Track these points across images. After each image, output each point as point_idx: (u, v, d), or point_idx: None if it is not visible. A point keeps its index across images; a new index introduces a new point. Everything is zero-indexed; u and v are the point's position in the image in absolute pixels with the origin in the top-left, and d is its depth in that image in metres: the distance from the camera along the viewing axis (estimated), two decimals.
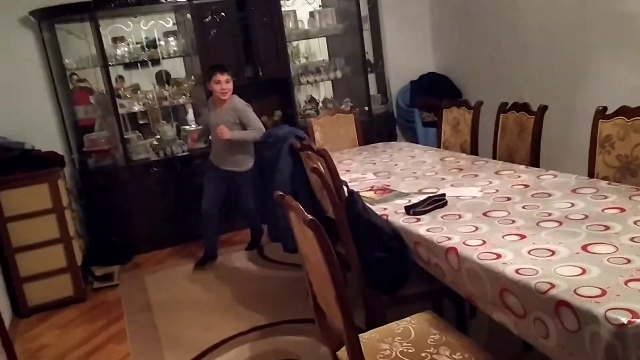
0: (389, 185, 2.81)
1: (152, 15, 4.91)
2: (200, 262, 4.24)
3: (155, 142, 4.91)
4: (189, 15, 4.70)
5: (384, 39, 5.46)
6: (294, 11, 5.14)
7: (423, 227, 2.15)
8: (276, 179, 3.07)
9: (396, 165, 3.29)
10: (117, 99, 4.64)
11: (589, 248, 1.73)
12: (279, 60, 4.92)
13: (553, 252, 1.74)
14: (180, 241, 4.78)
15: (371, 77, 5.46)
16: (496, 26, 4.82)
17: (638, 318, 1.31)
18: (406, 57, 5.62)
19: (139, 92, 4.88)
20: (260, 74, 4.88)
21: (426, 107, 5.36)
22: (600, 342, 1.35)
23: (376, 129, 5.16)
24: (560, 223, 1.97)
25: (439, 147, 3.77)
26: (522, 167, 2.82)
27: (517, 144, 3.07)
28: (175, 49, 4.89)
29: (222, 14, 4.73)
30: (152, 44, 4.86)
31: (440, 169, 3.06)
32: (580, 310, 1.41)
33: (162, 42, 4.87)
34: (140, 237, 4.71)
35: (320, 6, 5.42)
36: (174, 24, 5.03)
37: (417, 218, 2.26)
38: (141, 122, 5.11)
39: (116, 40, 4.76)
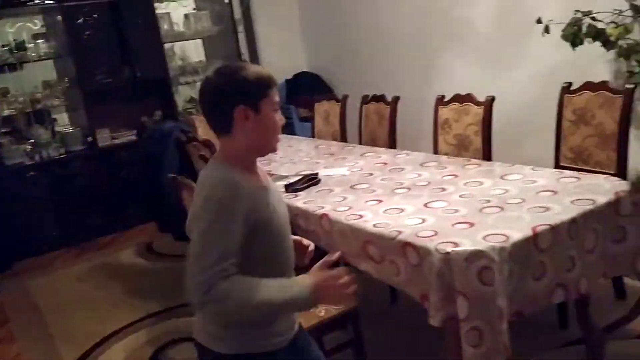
0: (270, 171, 3.13)
1: (18, 18, 4.80)
2: None
3: (29, 147, 4.80)
4: (59, 17, 4.67)
5: (258, 40, 5.78)
6: (169, 13, 5.29)
7: (300, 201, 2.50)
8: (164, 172, 3.25)
9: (276, 153, 3.61)
10: None
11: (429, 205, 2.19)
12: (156, 62, 5.05)
13: (402, 210, 2.17)
14: (63, 244, 4.72)
15: None
16: (359, 28, 5.33)
17: (458, 247, 1.75)
18: (280, 57, 5.97)
19: (8, 95, 4.75)
20: (138, 75, 4.97)
21: (302, 104, 5.75)
22: (433, 269, 1.78)
23: None
24: (409, 189, 2.42)
25: (313, 137, 4.17)
26: (383, 149, 3.29)
27: (378, 130, 3.55)
28: (45, 51, 4.81)
29: (95, 15, 4.75)
30: (20, 46, 4.74)
31: (314, 154, 3.45)
32: (420, 247, 1.84)
33: (32, 45, 4.78)
34: (20, 243, 4.59)
35: (194, 9, 5.61)
36: (42, 26, 4.95)
37: (295, 194, 2.60)
38: (13, 126, 4.95)
39: None
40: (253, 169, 1.53)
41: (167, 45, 5.28)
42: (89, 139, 4.86)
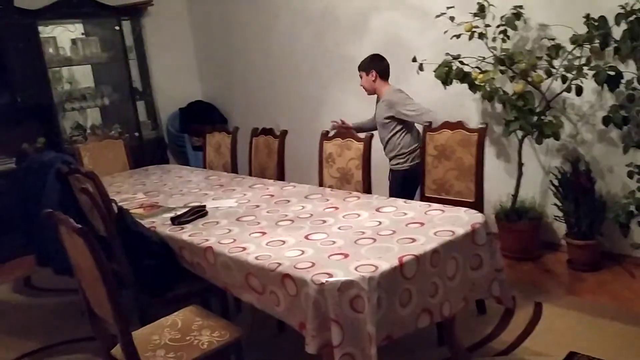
0: (157, 203, 3.12)
1: None
2: None
3: None
4: None
5: (151, 68, 5.72)
6: (54, 38, 5.10)
7: (186, 233, 2.53)
8: (42, 204, 3.12)
9: (165, 185, 3.61)
10: None
11: (309, 237, 2.31)
12: (39, 87, 4.84)
13: (284, 242, 2.27)
14: None
15: (140, 104, 5.67)
16: (252, 60, 5.47)
17: (332, 277, 1.88)
18: (174, 86, 5.94)
19: None
20: (18, 99, 4.73)
21: (195, 133, 5.74)
22: (310, 299, 1.89)
23: (148, 154, 5.37)
24: (293, 221, 2.54)
25: (205, 167, 4.19)
26: (271, 181, 3.40)
27: (267, 162, 3.66)
28: None
29: None
30: None
31: (204, 186, 3.48)
32: (297, 278, 1.94)
33: None
34: None
35: (83, 34, 5.45)
36: None
37: (181, 227, 2.62)
38: None
39: None
40: None
41: (53, 70, 5.08)
42: None
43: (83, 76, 5.57)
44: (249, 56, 5.50)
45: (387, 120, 3.53)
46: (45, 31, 5.02)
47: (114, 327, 2.00)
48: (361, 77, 3.63)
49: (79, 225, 1.84)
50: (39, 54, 4.80)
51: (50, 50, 5.00)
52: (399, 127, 3.53)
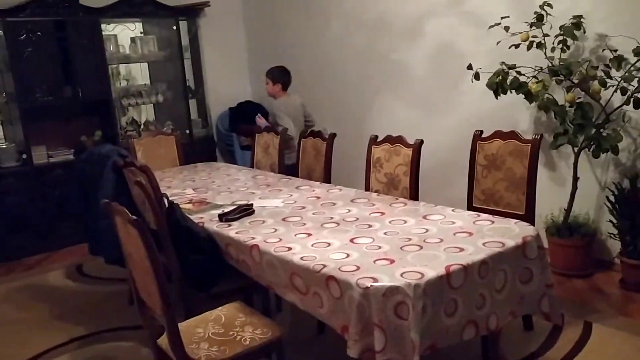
0: (206, 199, 3.19)
1: None
2: None
3: None
4: (1, 32, 4.59)
5: (204, 68, 5.86)
6: (115, 36, 5.29)
7: (233, 231, 2.57)
8: (99, 195, 3.24)
9: (213, 182, 3.68)
10: None
11: (354, 240, 2.31)
12: (100, 82, 5.02)
13: (329, 244, 2.28)
14: None
15: (192, 103, 5.81)
16: (304, 64, 5.51)
17: (377, 282, 1.87)
18: (225, 86, 6.06)
19: None
20: (80, 94, 4.92)
21: (244, 133, 5.83)
22: (353, 302, 1.89)
23: (197, 151, 5.48)
24: (338, 224, 2.54)
25: (252, 167, 4.25)
26: (317, 183, 3.41)
27: (314, 164, 3.68)
28: None
29: (39, 33, 4.70)
30: None
31: (251, 185, 3.53)
32: (342, 281, 1.94)
33: None
34: None
35: (141, 33, 5.63)
36: None
37: (228, 224, 2.67)
38: None
39: None
40: None
41: (112, 67, 5.27)
42: (24, 155, 4.75)
43: (139, 73, 5.76)
44: (299, 59, 5.54)
45: None
46: (107, 29, 5.21)
47: (162, 318, 2.05)
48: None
49: (134, 217, 1.90)
50: (100, 51, 4.99)
51: (111, 47, 5.18)
52: None
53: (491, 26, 3.53)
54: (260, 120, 4.64)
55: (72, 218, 4.45)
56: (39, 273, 4.37)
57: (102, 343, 3.20)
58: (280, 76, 4.52)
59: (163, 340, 2.20)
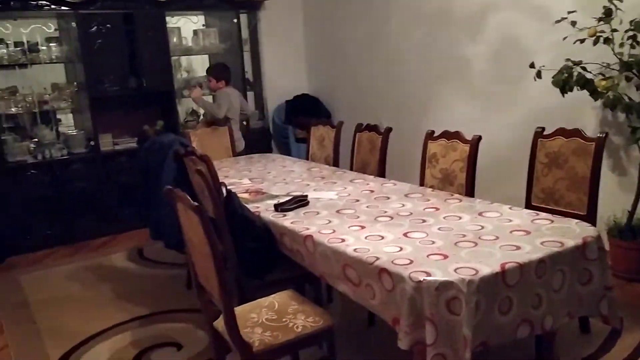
0: (262, 189, 3.26)
1: (34, 20, 4.96)
2: None
3: (32, 145, 4.93)
4: (73, 24, 4.83)
5: (263, 60, 5.96)
6: (179, 28, 5.47)
7: (288, 221, 2.63)
8: (161, 182, 3.37)
9: (269, 173, 3.76)
10: None
11: (408, 234, 2.31)
12: (163, 74, 5.21)
13: (382, 237, 2.29)
14: (57, 243, 4.83)
15: (250, 95, 5.93)
16: (362, 57, 5.52)
17: (430, 276, 1.88)
18: (283, 79, 6.15)
19: (16, 94, 4.89)
20: (145, 85, 5.12)
21: (299, 125, 5.91)
22: (405, 295, 1.90)
23: (253, 143, 5.60)
24: (392, 218, 2.55)
25: (307, 159, 4.31)
26: (372, 177, 3.43)
27: (369, 158, 3.69)
28: (57, 54, 4.97)
29: (108, 25, 4.92)
30: (33, 48, 4.90)
31: (306, 177, 3.58)
32: (394, 274, 1.96)
33: (44, 47, 4.93)
34: (15, 239, 4.69)
35: (203, 25, 5.79)
36: (55, 29, 5.11)
37: (283, 214, 2.73)
38: (19, 124, 5.09)
39: None
40: None
41: (173, 58, 5.44)
42: (92, 142, 5.00)
43: (200, 65, 5.92)
44: (357, 52, 5.55)
45: None
46: (172, 22, 5.39)
47: (219, 301, 2.13)
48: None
49: (196, 203, 1.98)
50: (165, 43, 5.18)
51: (174, 39, 5.36)
52: None
53: (557, 21, 3.43)
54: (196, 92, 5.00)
55: (134, 204, 4.65)
56: (104, 254, 4.60)
57: (161, 323, 3.34)
58: (223, 73, 4.92)
59: (219, 323, 2.29)
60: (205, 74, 5.23)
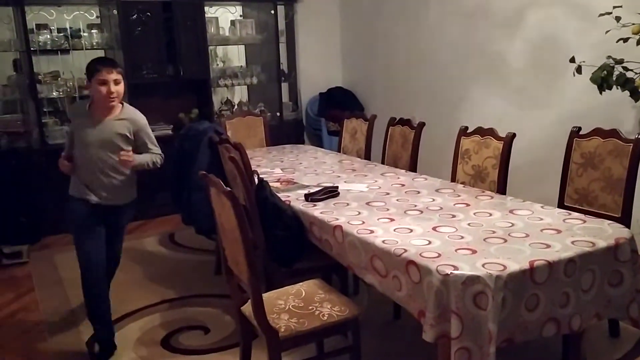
0: (293, 179, 3.30)
1: (77, 6, 5.09)
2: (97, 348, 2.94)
3: None
4: (114, 11, 4.95)
5: (298, 52, 5.99)
6: (217, 18, 5.53)
7: (317, 210, 2.65)
8: (194, 169, 3.44)
9: (301, 163, 3.79)
10: (37, 84, 4.78)
11: (437, 229, 2.31)
12: (200, 63, 5.28)
13: (411, 230, 2.30)
14: None
15: (284, 86, 5.97)
16: (397, 51, 5.49)
17: (458, 270, 1.88)
18: (317, 71, 6.16)
19: (59, 79, 5.03)
20: (182, 73, 5.21)
21: (332, 118, 5.92)
22: (432, 288, 1.91)
23: (286, 134, 5.64)
24: (422, 212, 2.55)
25: (339, 151, 4.33)
26: (403, 171, 3.43)
27: (401, 152, 3.69)
28: (98, 41, 5.09)
29: (148, 13, 5.01)
30: (75, 34, 5.03)
31: (337, 168, 3.60)
32: (422, 266, 1.97)
33: (86, 34, 5.06)
34: (51, 219, 4.84)
35: (241, 16, 5.85)
36: (97, 17, 5.23)
37: (313, 204, 2.76)
38: (59, 108, 5.25)
39: (39, 27, 4.89)
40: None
41: (210, 47, 5.52)
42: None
43: (236, 55, 5.99)
44: (393, 46, 5.53)
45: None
46: (210, 11, 5.46)
47: (247, 286, 2.18)
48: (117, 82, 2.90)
49: (229, 189, 2.02)
50: (202, 33, 5.25)
51: (212, 29, 5.43)
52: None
53: (601, 14, 3.34)
54: None
55: (168, 189, 4.74)
56: (137, 238, 4.71)
57: (190, 307, 3.42)
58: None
59: (247, 308, 2.33)
60: (239, 64, 5.26)
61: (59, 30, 5.00)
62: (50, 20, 4.99)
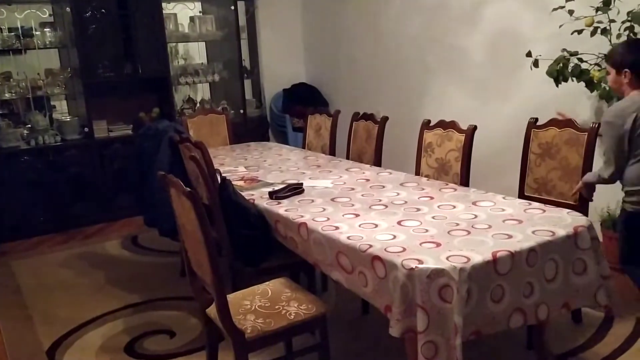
0: (257, 177, 3.26)
1: (28, 5, 4.92)
2: None
3: (26, 131, 4.89)
4: (68, 9, 4.79)
5: (260, 48, 5.93)
6: (175, 14, 5.43)
7: (282, 208, 2.62)
8: (155, 169, 3.36)
9: (265, 161, 3.75)
10: None
11: (402, 223, 2.31)
12: (159, 60, 5.17)
13: (376, 225, 2.29)
14: (51, 230, 4.81)
15: (247, 83, 5.90)
16: (359, 47, 5.49)
17: (422, 264, 1.88)
18: (280, 67, 6.12)
19: (10, 80, 4.85)
20: (140, 71, 5.09)
21: (296, 114, 5.88)
22: (398, 283, 1.90)
23: (250, 131, 5.58)
24: (386, 206, 2.55)
25: (304, 148, 4.30)
26: (367, 166, 3.43)
27: (365, 147, 3.69)
28: (51, 40, 4.93)
29: (103, 10, 4.88)
30: (27, 33, 4.86)
31: (302, 165, 3.57)
32: (387, 261, 1.96)
33: (38, 32, 4.89)
34: (7, 225, 4.67)
35: (200, 12, 5.75)
36: (50, 15, 5.06)
37: (278, 202, 2.72)
38: (11, 109, 5.06)
39: None
40: None
41: (170, 45, 5.41)
42: (86, 129, 4.97)
43: (197, 52, 5.89)
44: (355, 42, 5.52)
45: None
46: (168, 7, 5.35)
47: (211, 288, 2.13)
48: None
49: (188, 189, 1.97)
50: (160, 30, 5.13)
51: (171, 26, 5.32)
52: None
53: (555, 9, 3.41)
54: None
55: (129, 191, 4.63)
56: (97, 242, 4.59)
57: (154, 311, 3.34)
58: None
59: (212, 310, 2.29)
60: (200, 61, 5.17)
61: (9, 30, 4.82)
62: (0, 19, 4.81)
